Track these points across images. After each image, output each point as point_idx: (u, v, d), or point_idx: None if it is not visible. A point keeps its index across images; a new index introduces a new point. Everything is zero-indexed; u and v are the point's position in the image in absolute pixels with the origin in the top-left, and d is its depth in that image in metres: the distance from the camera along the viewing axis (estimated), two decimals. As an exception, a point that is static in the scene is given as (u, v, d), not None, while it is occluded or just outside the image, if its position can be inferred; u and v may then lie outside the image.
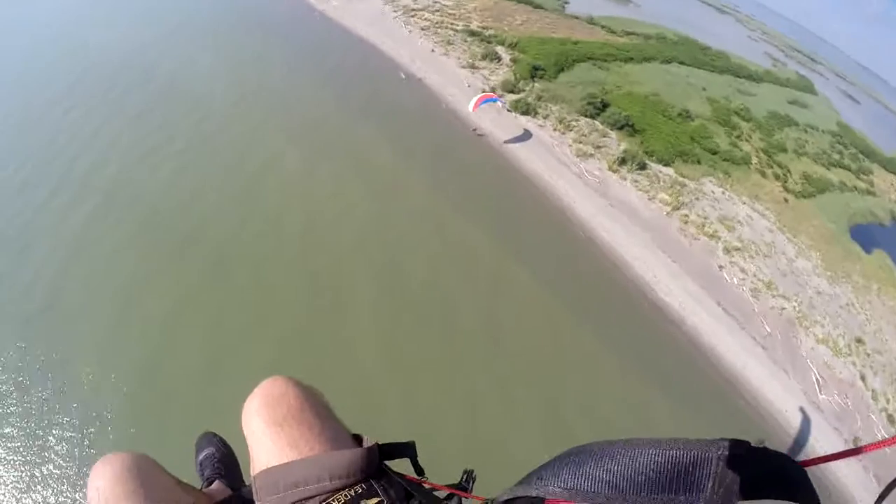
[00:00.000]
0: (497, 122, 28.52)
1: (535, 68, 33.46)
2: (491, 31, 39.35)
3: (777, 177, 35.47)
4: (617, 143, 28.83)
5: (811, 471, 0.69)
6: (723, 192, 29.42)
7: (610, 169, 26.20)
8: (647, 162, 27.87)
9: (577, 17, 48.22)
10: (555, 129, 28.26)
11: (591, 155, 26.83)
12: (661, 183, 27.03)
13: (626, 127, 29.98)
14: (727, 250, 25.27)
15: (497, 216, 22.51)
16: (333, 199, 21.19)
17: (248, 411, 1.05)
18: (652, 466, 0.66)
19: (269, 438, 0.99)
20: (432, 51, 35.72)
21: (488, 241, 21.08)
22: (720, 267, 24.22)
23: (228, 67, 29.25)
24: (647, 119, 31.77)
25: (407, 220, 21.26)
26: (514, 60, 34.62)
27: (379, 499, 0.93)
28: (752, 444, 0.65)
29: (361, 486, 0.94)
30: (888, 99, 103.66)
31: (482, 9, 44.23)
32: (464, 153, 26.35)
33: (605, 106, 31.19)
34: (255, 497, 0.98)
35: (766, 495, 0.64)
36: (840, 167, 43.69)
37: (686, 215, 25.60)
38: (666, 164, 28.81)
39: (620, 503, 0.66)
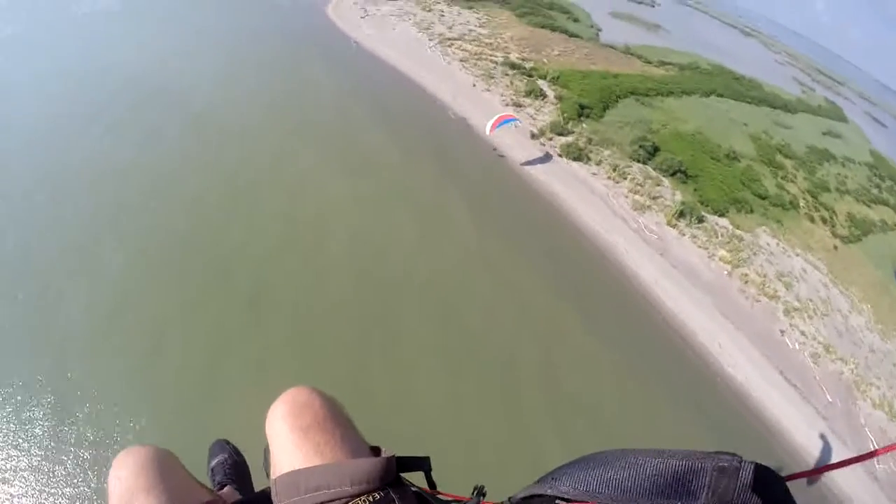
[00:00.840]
0: (520, 144, 28.06)
1: (582, 107, 32.68)
2: (531, 64, 38.61)
3: (824, 220, 34.84)
4: (671, 192, 28.00)
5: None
6: (777, 244, 28.64)
7: (668, 224, 25.35)
8: (704, 214, 27.06)
9: (612, 47, 47.41)
10: (608, 178, 27.45)
11: (648, 207, 25.99)
12: (720, 238, 26.20)
13: (678, 173, 29.20)
14: (787, 311, 24.54)
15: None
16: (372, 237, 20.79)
17: (273, 416, 1.06)
18: (655, 474, 0.74)
19: (293, 443, 1.01)
20: (473, 85, 34.96)
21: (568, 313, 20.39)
22: (782, 332, 23.49)
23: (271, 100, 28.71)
24: (698, 164, 30.99)
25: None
26: (559, 98, 33.83)
27: None
28: (744, 459, 0.72)
29: (379, 493, 0.95)
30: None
31: (519, 38, 43.52)
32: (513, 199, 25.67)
33: (655, 150, 30.40)
34: (274, 498, 0.99)
35: None
36: (880, 203, 43.63)
37: (746, 274, 24.81)
38: (721, 215, 28.04)
39: None
